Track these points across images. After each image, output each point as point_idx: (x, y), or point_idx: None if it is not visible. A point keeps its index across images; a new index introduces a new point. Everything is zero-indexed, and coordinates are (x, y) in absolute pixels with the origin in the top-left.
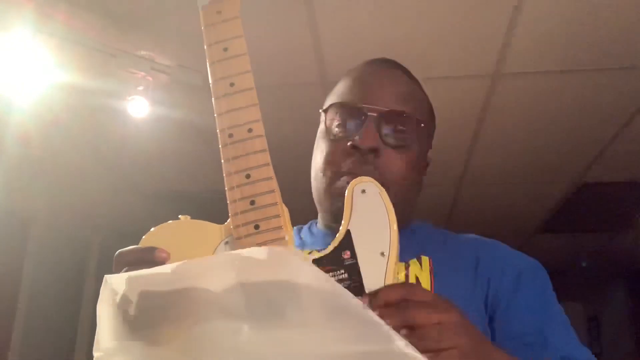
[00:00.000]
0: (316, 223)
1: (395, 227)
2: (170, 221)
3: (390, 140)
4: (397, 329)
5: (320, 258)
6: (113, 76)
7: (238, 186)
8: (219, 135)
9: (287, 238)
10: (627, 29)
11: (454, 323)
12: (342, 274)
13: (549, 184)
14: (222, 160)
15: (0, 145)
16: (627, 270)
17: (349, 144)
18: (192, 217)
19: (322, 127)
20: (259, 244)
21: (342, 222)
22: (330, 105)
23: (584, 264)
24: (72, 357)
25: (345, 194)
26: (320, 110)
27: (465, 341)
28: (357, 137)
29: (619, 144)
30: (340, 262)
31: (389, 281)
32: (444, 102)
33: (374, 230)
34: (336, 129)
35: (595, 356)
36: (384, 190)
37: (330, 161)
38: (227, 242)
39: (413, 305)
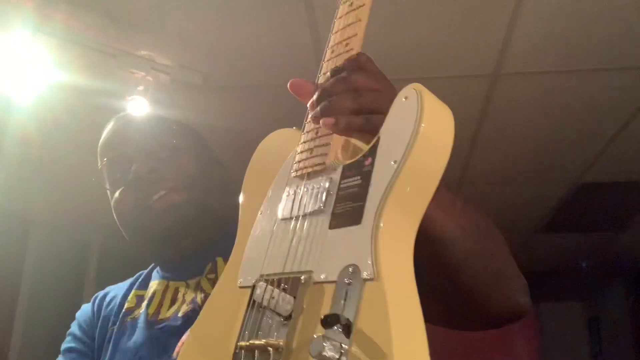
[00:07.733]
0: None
1: (418, 132)
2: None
3: (159, 155)
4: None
5: (350, 164)
6: (113, 76)
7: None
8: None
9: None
10: (627, 29)
11: (389, 94)
12: (356, 179)
13: (549, 184)
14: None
15: (0, 145)
16: (627, 270)
17: (133, 182)
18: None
19: (107, 185)
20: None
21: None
22: (100, 169)
23: (584, 264)
24: None
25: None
26: (94, 179)
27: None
28: (131, 175)
29: (619, 144)
30: (361, 169)
31: (394, 190)
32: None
33: (397, 137)
34: (119, 180)
35: (595, 356)
36: (426, 93)
37: (133, 202)
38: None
39: (356, 71)
